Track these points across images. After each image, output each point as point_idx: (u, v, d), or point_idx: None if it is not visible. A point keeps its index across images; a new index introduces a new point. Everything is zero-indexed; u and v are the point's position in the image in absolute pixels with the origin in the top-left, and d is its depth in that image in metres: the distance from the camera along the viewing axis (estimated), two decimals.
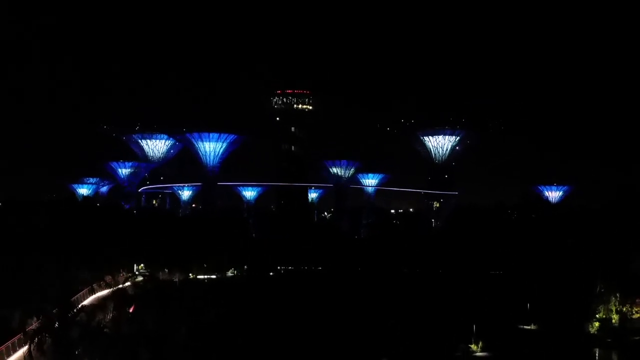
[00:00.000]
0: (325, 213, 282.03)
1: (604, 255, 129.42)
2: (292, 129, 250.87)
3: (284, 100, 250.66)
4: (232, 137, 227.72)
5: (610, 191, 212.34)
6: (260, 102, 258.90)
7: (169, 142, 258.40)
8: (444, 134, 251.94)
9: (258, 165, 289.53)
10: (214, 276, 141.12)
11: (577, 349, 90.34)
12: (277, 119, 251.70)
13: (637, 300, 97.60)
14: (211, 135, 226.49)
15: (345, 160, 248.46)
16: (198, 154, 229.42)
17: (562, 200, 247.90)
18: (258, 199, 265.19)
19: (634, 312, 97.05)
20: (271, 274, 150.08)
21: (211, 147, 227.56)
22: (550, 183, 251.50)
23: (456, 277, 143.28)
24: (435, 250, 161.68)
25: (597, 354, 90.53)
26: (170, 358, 66.35)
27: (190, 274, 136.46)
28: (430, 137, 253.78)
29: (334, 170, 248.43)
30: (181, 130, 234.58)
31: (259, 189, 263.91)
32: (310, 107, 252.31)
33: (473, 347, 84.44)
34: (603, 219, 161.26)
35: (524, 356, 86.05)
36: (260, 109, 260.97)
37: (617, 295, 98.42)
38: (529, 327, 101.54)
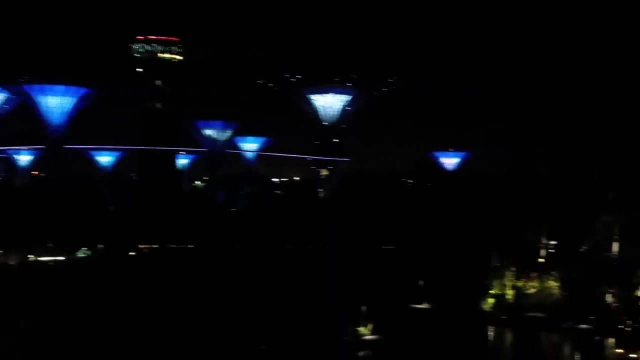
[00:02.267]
0: (198, 182, 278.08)
1: (499, 227, 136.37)
2: (158, 82, 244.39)
3: (147, 47, 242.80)
4: (82, 91, 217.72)
5: (508, 159, 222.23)
6: (117, 49, 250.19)
7: (1, 95, 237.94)
8: (334, 93, 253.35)
9: (116, 126, 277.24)
10: (61, 258, 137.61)
11: (470, 328, 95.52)
12: (139, 70, 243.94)
13: (532, 275, 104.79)
14: (56, 88, 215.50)
15: (221, 122, 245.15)
16: (40, 110, 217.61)
17: (460, 168, 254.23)
18: (116, 166, 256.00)
19: (529, 287, 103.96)
20: (132, 253, 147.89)
21: (56, 103, 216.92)
22: (447, 149, 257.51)
23: (344, 253, 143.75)
24: (322, 224, 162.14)
25: (491, 333, 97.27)
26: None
27: (30, 256, 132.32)
28: (318, 95, 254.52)
29: (208, 132, 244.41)
30: (18, 81, 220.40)
31: (117, 154, 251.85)
32: (180, 58, 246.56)
33: (362, 329, 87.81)
34: (499, 188, 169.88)
35: (416, 337, 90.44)
36: (117, 58, 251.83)
37: (513, 269, 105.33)
38: (421, 307, 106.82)
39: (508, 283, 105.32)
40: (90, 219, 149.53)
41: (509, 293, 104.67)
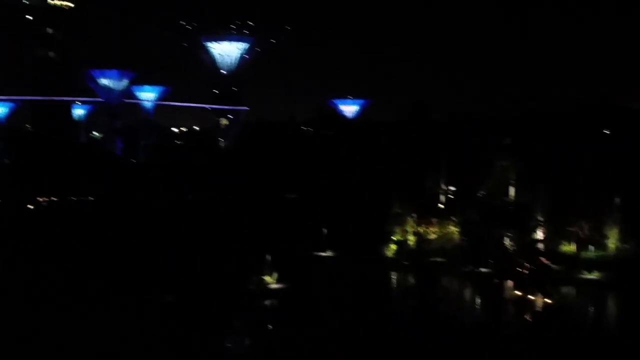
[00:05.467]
0: (96, 133, 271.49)
1: (399, 174, 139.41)
2: (49, 30, 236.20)
3: None
4: None
5: (405, 107, 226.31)
6: None
7: None
8: (231, 40, 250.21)
9: (8, 75, 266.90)
10: None
11: (373, 273, 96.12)
12: (29, 17, 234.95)
13: (432, 221, 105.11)
14: None
15: (116, 70, 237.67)
16: None
17: (359, 115, 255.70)
18: (10, 117, 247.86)
19: (430, 233, 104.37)
20: (30, 207, 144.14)
21: None
22: (346, 97, 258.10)
23: (248, 202, 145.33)
24: (224, 174, 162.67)
25: (394, 278, 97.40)
26: None
27: None
28: (216, 43, 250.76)
29: (104, 82, 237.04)
30: None
31: (10, 105, 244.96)
32: (71, 5, 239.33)
33: (267, 279, 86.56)
34: (396, 135, 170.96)
35: (319, 285, 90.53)
36: (5, 4, 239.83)
37: (413, 215, 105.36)
38: (325, 254, 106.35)
39: (409, 229, 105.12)
40: None
41: (411, 239, 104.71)
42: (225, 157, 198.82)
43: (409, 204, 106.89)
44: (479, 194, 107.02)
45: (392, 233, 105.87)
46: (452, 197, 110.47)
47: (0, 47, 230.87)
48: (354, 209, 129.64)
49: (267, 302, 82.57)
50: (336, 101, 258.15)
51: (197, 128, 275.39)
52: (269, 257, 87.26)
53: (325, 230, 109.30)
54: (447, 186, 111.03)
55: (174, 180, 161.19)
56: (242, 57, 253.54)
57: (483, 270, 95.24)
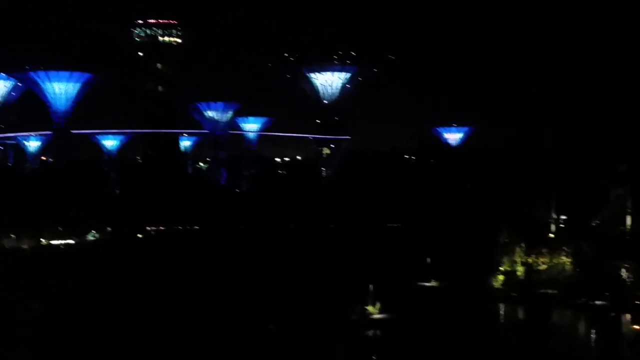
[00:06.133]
0: (201, 164, 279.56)
1: (507, 201, 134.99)
2: (158, 65, 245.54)
3: (147, 32, 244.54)
4: (86, 76, 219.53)
5: (511, 134, 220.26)
6: (118, 34, 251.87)
7: (8, 83, 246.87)
8: (333, 71, 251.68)
9: (120, 109, 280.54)
10: (71, 241, 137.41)
11: (480, 305, 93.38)
12: (140, 54, 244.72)
13: (543, 251, 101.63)
14: (60, 74, 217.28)
15: (221, 103, 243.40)
16: (46, 97, 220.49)
17: (463, 143, 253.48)
18: (121, 149, 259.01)
19: (540, 263, 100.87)
20: (139, 235, 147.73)
21: (61, 89, 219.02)
22: (450, 125, 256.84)
23: (350, 232, 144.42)
24: (326, 203, 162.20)
25: (502, 310, 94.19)
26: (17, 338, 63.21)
27: (42, 240, 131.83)
28: (318, 73, 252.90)
29: (209, 114, 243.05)
30: (23, 67, 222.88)
31: (122, 137, 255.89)
32: (179, 41, 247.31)
33: (370, 309, 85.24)
34: (503, 162, 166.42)
35: (425, 316, 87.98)
36: (119, 42, 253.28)
37: (522, 245, 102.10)
38: (429, 284, 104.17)
39: (518, 259, 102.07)
40: (98, 202, 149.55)
41: (519, 270, 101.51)
42: (328, 186, 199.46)
43: (518, 233, 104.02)
44: (592, 223, 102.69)
45: (500, 263, 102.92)
46: (564, 226, 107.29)
47: (112, 83, 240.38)
48: (459, 238, 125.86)
49: (370, 333, 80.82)
50: (439, 129, 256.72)
51: (300, 158, 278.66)
52: (371, 287, 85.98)
53: (429, 260, 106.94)
54: (557, 215, 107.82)
55: (277, 209, 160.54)
56: (344, 87, 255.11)
57: (598, 303, 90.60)
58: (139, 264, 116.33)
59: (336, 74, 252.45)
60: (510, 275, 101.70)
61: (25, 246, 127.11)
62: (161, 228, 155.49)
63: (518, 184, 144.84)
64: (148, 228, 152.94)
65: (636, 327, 79.55)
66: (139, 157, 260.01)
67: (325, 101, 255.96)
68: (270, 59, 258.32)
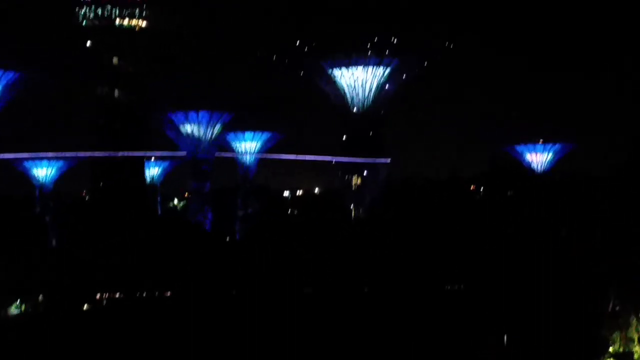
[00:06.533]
0: (176, 200, 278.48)
1: (619, 252, 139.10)
2: (115, 59, 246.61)
3: (98, 12, 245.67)
4: (9, 75, 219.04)
5: (618, 153, 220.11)
6: (58, 16, 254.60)
7: None
8: (366, 65, 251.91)
9: (60, 124, 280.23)
10: None
11: None
12: (89, 43, 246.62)
13: None
14: None
15: (205, 111, 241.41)
16: None
17: (554, 166, 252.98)
18: (60, 180, 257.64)
19: None
20: (85, 307, 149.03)
21: None
22: (534, 141, 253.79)
23: (392, 299, 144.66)
24: (356, 256, 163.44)
25: None
26: None
27: None
28: (343, 69, 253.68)
29: (188, 128, 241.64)
30: None
31: (61, 163, 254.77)
32: (144, 24, 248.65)
33: None
34: (615, 195, 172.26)
35: None
36: (59, 27, 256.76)
37: None
38: None
39: (635, 335, 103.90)
40: (25, 258, 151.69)
41: (637, 350, 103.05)
42: (360, 230, 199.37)
43: (633, 298, 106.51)
44: None
45: (609, 341, 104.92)
46: None
47: (48, 85, 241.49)
48: (550, 305, 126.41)
49: None
50: (519, 147, 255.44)
51: (319, 190, 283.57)
52: None
53: (506, 337, 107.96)
54: None
55: (285, 265, 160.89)
56: (381, 88, 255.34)
57: None
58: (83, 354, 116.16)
59: (370, 68, 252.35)
60: (624, 357, 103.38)
61: None
62: (117, 295, 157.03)
63: (635, 226, 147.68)
64: (98, 295, 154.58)
65: None
66: (85, 192, 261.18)
67: (354, 109, 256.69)
68: (277, 50, 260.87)
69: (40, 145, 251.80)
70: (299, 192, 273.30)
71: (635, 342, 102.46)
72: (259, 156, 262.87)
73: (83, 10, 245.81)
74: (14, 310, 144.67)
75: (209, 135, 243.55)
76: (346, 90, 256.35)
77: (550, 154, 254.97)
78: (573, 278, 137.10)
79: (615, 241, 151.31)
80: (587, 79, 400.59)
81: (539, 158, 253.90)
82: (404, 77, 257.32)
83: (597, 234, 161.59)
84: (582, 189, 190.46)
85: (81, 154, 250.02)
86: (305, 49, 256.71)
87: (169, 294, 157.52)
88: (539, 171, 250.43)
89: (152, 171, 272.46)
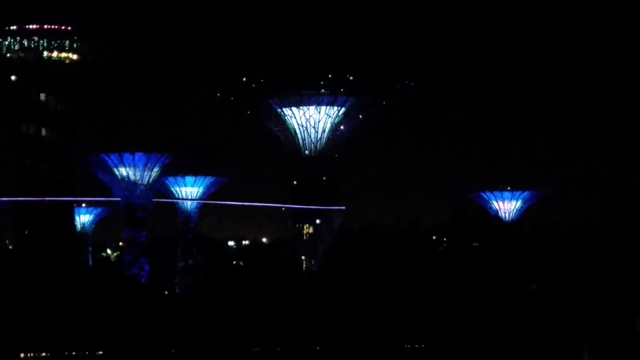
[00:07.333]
0: (109, 251, 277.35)
1: (597, 312, 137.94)
2: (42, 96, 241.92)
3: (24, 43, 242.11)
4: None
5: (594, 200, 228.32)
6: None
7: None
8: (319, 103, 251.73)
9: None
10: None
11: None
12: (12, 77, 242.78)
13: None
14: None
15: (142, 153, 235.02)
16: None
17: (523, 214, 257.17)
18: None
19: None
20: None
21: None
22: (500, 188, 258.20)
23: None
24: (306, 312, 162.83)
25: None
26: None
27: None
28: (294, 108, 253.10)
29: (123, 171, 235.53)
30: None
31: None
32: (75, 57, 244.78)
33: None
34: (597, 248, 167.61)
35: None
36: None
37: None
38: None
39: None
40: None
41: None
42: (311, 285, 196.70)
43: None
44: None
45: None
46: None
47: None
48: None
49: None
50: (484, 194, 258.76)
51: (266, 240, 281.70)
52: None
53: None
54: None
55: (227, 322, 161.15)
56: (335, 129, 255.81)
57: None
58: None
59: (323, 108, 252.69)
60: None
61: None
62: (43, 355, 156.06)
63: (620, 286, 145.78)
64: (22, 355, 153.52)
65: None
66: (8, 242, 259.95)
67: (306, 152, 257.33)
68: (220, 88, 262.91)
69: None
70: (245, 242, 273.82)
71: None
72: (201, 203, 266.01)
73: (7, 42, 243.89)
74: None
75: (146, 180, 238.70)
76: (297, 131, 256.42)
77: (519, 202, 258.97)
78: (544, 337, 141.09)
79: (590, 298, 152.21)
80: (558, 124, 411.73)
81: (506, 206, 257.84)
82: (360, 117, 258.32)
83: (570, 289, 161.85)
84: (554, 241, 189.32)
85: (4, 199, 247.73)
86: (253, 86, 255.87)
87: (100, 353, 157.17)
88: (506, 220, 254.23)
89: (83, 218, 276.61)
